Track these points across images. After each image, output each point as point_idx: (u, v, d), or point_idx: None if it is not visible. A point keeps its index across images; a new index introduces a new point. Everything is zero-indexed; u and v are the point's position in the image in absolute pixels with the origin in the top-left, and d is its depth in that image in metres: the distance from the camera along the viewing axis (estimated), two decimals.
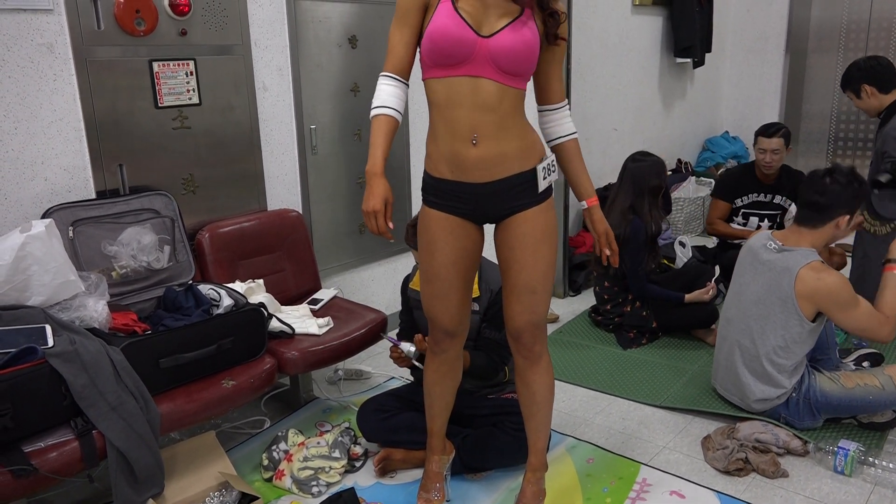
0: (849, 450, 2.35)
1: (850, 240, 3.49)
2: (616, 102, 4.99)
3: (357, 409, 2.83)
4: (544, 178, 1.86)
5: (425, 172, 1.92)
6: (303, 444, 2.45)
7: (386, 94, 1.81)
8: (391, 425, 2.44)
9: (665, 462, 2.47)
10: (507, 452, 2.35)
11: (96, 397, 1.94)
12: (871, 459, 2.34)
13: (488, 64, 1.73)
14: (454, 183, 1.84)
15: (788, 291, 2.42)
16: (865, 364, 2.85)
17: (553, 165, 1.90)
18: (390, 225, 1.73)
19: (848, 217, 2.45)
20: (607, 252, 1.99)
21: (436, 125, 1.84)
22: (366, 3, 3.18)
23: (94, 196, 2.47)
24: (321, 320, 2.68)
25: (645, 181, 3.35)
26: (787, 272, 2.43)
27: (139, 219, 2.48)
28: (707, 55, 5.62)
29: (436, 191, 1.89)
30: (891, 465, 2.31)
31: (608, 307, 3.51)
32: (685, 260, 3.97)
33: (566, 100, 1.95)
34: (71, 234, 2.33)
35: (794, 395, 2.52)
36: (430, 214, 1.91)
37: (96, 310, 2.12)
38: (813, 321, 2.45)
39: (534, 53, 1.76)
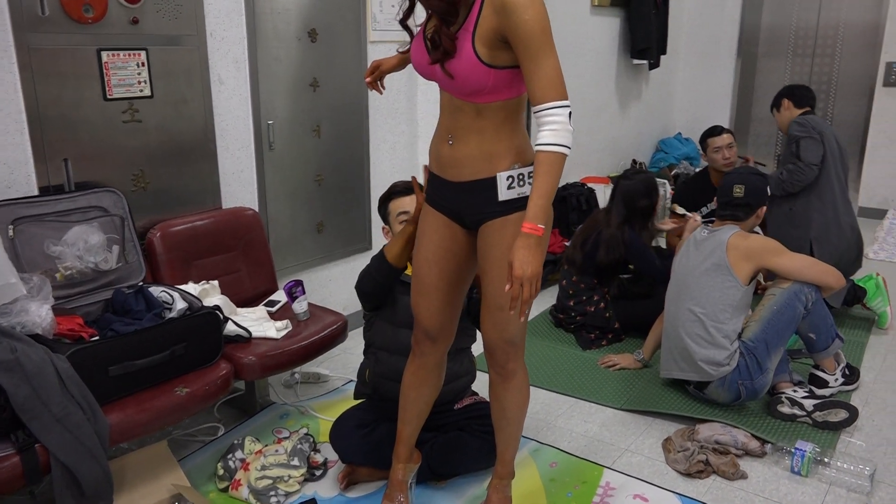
0: (805, 451, 2.39)
1: None
2: (574, 102, 4.91)
3: (316, 413, 2.77)
4: (510, 187, 1.74)
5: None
6: (260, 451, 2.37)
7: None
8: (374, 439, 2.31)
9: (627, 465, 2.47)
10: (477, 456, 2.31)
11: (39, 409, 1.83)
12: (826, 460, 2.38)
13: (442, 84, 1.77)
14: (437, 177, 1.89)
15: (722, 258, 2.72)
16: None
17: (531, 176, 1.76)
18: (378, 86, 2.11)
19: (765, 207, 2.88)
20: (507, 288, 1.63)
21: (437, 126, 1.90)
22: None
23: (36, 192, 2.33)
24: (279, 323, 2.59)
25: (635, 202, 3.36)
26: (720, 244, 2.75)
27: (86, 217, 2.35)
28: (662, 57, 5.69)
29: (430, 184, 1.95)
30: (845, 466, 2.35)
31: (571, 303, 3.49)
32: None
33: (543, 103, 1.62)
34: (11, 233, 2.19)
35: (741, 359, 2.66)
36: (426, 209, 1.96)
37: (39, 315, 1.99)
38: (748, 284, 2.73)
39: (468, 75, 1.65)
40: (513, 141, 1.76)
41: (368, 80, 2.10)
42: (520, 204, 1.75)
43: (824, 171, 3.61)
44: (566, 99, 1.63)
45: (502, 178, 1.74)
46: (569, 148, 1.63)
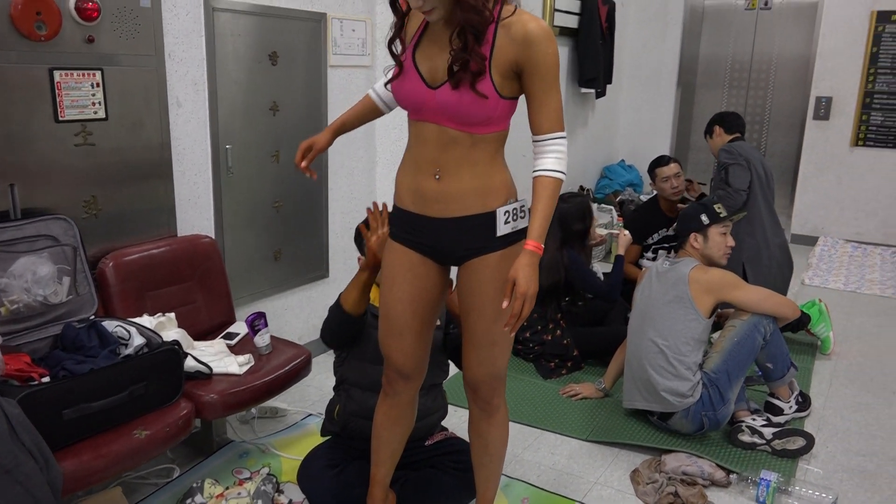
0: (770, 480, 2.43)
1: None
2: (524, 129, 5.02)
3: (277, 451, 2.65)
4: (506, 222, 1.74)
5: (393, 205, 1.88)
6: (221, 495, 2.25)
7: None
8: (344, 480, 2.22)
9: (598, 498, 2.46)
10: (450, 494, 2.25)
11: None
12: (789, 489, 2.43)
13: (440, 114, 1.70)
14: (415, 215, 1.80)
15: (685, 291, 2.77)
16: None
17: (523, 211, 1.79)
18: (311, 170, 1.97)
19: (697, 235, 2.90)
20: (505, 304, 1.63)
21: (406, 159, 1.82)
22: (288, 18, 3.02)
23: None
24: (241, 358, 2.48)
25: (570, 225, 3.41)
26: (681, 278, 2.81)
27: (34, 247, 2.19)
28: (606, 86, 5.82)
29: (399, 222, 1.85)
30: (807, 493, 2.41)
31: (527, 334, 3.49)
32: None
33: (551, 133, 1.70)
34: None
35: (704, 391, 2.71)
36: (392, 247, 1.87)
37: None
38: (709, 317, 2.79)
39: (474, 105, 1.65)
40: (504, 175, 1.78)
41: (303, 164, 1.93)
42: (512, 238, 1.76)
43: (752, 196, 3.78)
44: (565, 130, 1.73)
45: (500, 214, 1.73)
46: (565, 174, 1.72)
